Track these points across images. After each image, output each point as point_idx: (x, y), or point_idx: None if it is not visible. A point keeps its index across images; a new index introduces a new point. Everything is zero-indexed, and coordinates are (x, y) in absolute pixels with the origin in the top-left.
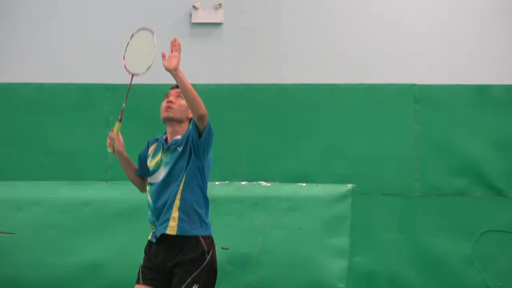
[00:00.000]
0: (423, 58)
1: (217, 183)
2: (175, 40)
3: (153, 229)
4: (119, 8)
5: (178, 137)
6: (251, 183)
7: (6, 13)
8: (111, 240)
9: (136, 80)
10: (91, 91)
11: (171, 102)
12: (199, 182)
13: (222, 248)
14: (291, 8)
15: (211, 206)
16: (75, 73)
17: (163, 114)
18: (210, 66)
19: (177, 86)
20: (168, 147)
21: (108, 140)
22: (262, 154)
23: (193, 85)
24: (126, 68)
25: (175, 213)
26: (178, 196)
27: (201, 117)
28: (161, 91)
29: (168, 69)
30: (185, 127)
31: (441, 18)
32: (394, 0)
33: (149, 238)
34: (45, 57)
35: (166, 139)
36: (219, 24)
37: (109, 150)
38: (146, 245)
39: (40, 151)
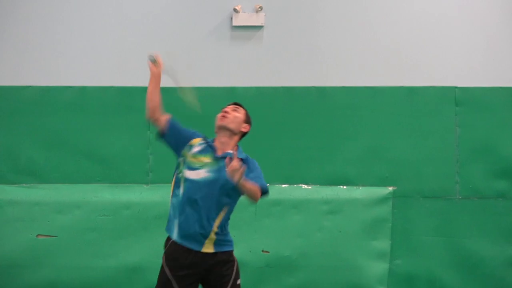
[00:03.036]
0: (465, 61)
1: None
2: (234, 159)
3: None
4: (160, 11)
5: (229, 151)
6: (292, 186)
7: (48, 17)
8: (152, 243)
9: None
10: (131, 94)
11: (226, 112)
12: (232, 209)
13: (263, 251)
14: (331, 11)
15: (251, 208)
16: (115, 76)
17: (218, 122)
18: (250, 69)
19: (234, 103)
20: (220, 158)
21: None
22: (303, 156)
23: (233, 88)
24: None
25: (212, 235)
26: (217, 223)
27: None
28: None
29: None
30: (235, 139)
31: (483, 21)
32: (435, 2)
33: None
34: (85, 60)
35: (215, 146)
36: (260, 27)
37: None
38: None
39: (81, 154)
